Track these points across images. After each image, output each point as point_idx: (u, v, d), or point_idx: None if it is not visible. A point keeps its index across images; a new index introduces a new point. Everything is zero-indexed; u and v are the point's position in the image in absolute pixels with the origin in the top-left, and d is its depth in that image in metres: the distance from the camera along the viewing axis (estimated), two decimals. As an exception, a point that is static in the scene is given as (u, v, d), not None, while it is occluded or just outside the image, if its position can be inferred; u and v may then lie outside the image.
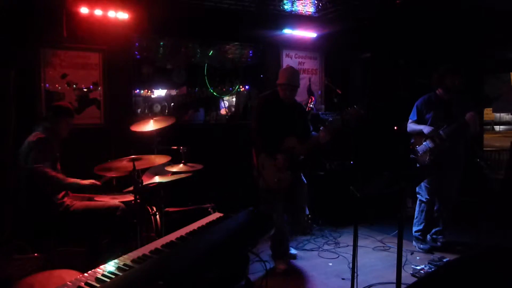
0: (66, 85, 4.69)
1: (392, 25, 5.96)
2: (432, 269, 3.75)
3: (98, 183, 3.47)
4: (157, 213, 3.80)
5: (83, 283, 1.42)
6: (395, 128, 5.77)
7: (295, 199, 3.93)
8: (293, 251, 4.25)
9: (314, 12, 5.57)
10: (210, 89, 5.74)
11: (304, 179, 4.02)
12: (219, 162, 4.86)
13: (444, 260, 3.99)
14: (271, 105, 3.85)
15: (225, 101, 6.44)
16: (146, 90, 5.83)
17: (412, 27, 5.89)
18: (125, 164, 3.24)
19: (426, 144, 4.20)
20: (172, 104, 5.76)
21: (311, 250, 4.45)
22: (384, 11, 5.51)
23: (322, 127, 3.74)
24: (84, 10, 4.58)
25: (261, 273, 3.64)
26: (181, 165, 3.88)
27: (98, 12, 4.64)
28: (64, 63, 4.67)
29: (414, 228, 4.47)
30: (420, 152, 4.24)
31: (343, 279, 3.70)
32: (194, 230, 1.96)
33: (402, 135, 4.66)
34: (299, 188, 3.94)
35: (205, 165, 4.01)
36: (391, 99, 6.50)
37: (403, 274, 3.04)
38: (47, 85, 4.60)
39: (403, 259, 3.77)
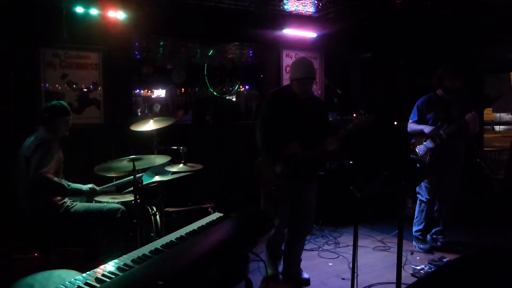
0: (66, 85, 4.70)
1: (392, 25, 5.96)
2: (432, 269, 3.75)
3: (96, 188, 3.45)
4: (157, 213, 3.80)
5: (83, 283, 1.42)
6: (395, 123, 5.76)
7: (297, 208, 3.52)
8: (305, 275, 3.69)
9: (314, 12, 5.57)
10: (210, 89, 5.74)
11: (315, 188, 3.61)
12: (219, 162, 4.86)
13: (444, 260, 3.99)
14: (280, 103, 3.43)
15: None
16: (146, 90, 5.82)
17: (412, 27, 5.90)
18: (125, 164, 3.24)
19: (426, 144, 4.20)
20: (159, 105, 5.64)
21: (311, 250, 4.45)
22: (384, 11, 5.51)
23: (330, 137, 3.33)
24: (84, 10, 4.58)
25: (261, 273, 3.65)
26: (181, 165, 3.88)
27: (98, 12, 4.64)
28: (64, 63, 4.67)
29: (414, 228, 4.47)
30: (420, 152, 4.24)
31: (343, 279, 3.70)
32: (194, 230, 1.96)
33: (402, 135, 4.66)
34: (303, 197, 3.51)
35: (205, 165, 4.01)
36: (391, 99, 6.52)
37: (403, 274, 3.03)
38: (47, 85, 4.60)
39: (403, 259, 3.77)
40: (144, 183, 3.55)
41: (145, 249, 1.73)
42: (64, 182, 3.31)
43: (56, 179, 3.24)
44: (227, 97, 5.98)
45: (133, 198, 3.35)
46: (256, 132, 3.48)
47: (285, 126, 3.39)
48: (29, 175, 3.28)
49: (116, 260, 1.61)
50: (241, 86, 6.08)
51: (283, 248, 3.68)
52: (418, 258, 4.19)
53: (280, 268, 3.71)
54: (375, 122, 3.28)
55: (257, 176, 3.52)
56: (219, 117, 5.81)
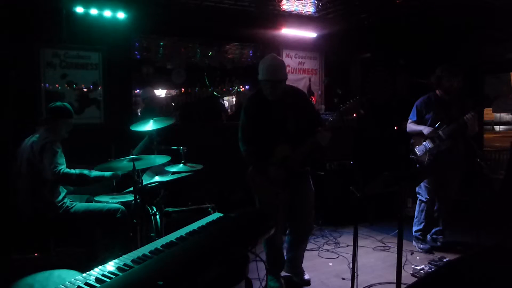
0: (66, 85, 4.70)
1: (392, 25, 5.96)
2: (432, 269, 3.75)
3: (118, 173, 3.45)
4: (157, 213, 3.80)
5: (83, 283, 1.42)
6: (395, 128, 5.78)
7: (297, 209, 3.39)
8: (306, 276, 3.65)
9: (314, 12, 5.57)
10: (210, 89, 5.75)
11: (311, 185, 3.46)
12: (219, 162, 4.85)
13: (444, 260, 3.99)
14: (256, 107, 3.25)
15: (225, 101, 6.44)
16: (146, 90, 5.82)
17: (412, 27, 5.90)
18: (125, 164, 3.24)
19: (425, 144, 4.20)
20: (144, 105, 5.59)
21: (311, 250, 4.45)
22: (384, 11, 5.51)
23: (319, 128, 3.13)
24: (84, 10, 4.58)
25: (261, 272, 3.64)
26: (181, 165, 3.87)
27: (98, 12, 4.64)
28: (64, 63, 4.67)
29: (414, 228, 4.47)
30: (420, 153, 4.24)
31: (343, 279, 3.70)
32: (194, 230, 1.96)
33: (402, 135, 4.66)
34: (301, 198, 3.37)
35: (205, 165, 4.01)
36: (391, 99, 6.52)
37: (403, 274, 3.03)
38: (47, 85, 4.60)
39: (403, 259, 3.76)
40: (144, 183, 3.55)
41: (145, 249, 1.73)
42: (85, 171, 3.33)
43: (75, 171, 3.28)
44: (227, 97, 6.00)
45: (133, 198, 3.35)
46: (239, 144, 3.32)
47: (268, 129, 3.20)
48: (30, 176, 3.28)
49: (116, 260, 1.61)
50: (241, 86, 6.08)
51: (284, 251, 3.63)
52: (418, 258, 4.19)
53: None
54: (364, 103, 3.13)
55: (252, 186, 3.38)
56: (219, 117, 5.82)
